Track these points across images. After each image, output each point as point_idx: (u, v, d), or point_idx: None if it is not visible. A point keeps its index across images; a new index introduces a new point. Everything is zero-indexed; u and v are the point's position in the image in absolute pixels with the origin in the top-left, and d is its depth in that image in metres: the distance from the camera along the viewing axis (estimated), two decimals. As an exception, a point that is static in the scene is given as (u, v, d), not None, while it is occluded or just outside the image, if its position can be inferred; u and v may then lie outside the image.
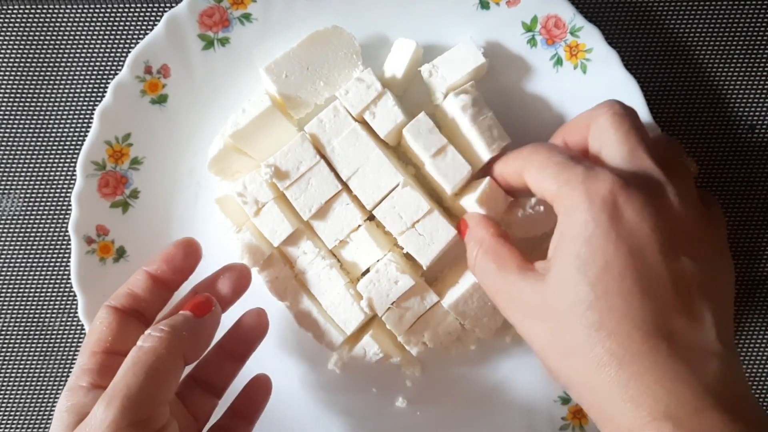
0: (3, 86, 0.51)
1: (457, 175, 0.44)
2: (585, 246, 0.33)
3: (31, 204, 0.52)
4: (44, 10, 0.51)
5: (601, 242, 0.33)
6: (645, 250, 0.33)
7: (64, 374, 0.53)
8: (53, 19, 0.51)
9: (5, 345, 0.53)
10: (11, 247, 0.52)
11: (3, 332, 0.53)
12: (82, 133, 0.52)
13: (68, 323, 0.53)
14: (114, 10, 0.51)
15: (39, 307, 0.53)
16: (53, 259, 0.52)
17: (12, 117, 0.52)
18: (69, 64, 0.51)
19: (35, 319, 0.53)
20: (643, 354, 0.32)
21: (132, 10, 0.51)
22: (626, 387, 0.32)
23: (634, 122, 0.37)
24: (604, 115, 0.38)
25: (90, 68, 0.51)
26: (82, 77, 0.51)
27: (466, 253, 0.49)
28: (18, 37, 0.51)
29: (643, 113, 0.47)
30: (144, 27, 0.51)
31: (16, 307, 0.53)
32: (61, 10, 0.51)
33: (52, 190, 0.52)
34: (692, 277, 0.33)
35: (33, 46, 0.51)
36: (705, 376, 0.32)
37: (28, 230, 0.52)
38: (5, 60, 0.51)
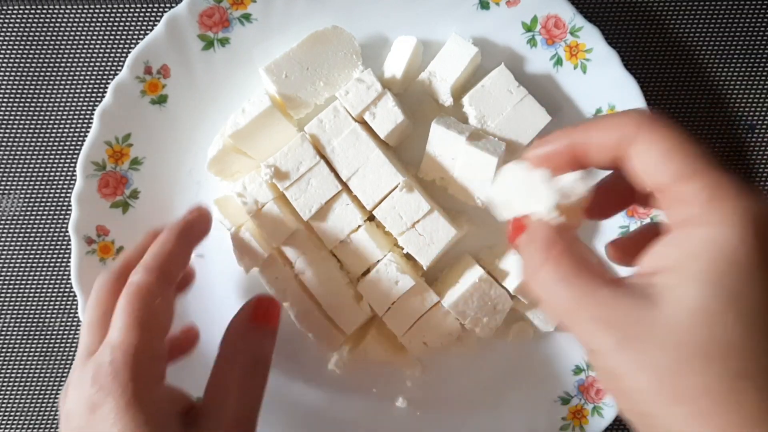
0: (3, 86, 0.51)
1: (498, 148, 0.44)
2: (732, 274, 0.26)
3: (31, 204, 0.52)
4: (44, 10, 0.51)
5: (756, 274, 0.26)
6: None
7: (65, 374, 0.53)
8: (53, 19, 0.51)
9: (5, 345, 0.53)
10: (11, 247, 0.52)
11: (3, 332, 0.53)
12: (82, 133, 0.52)
13: (68, 323, 0.53)
14: (114, 10, 0.51)
15: (39, 307, 0.53)
16: (53, 259, 0.52)
17: (12, 117, 0.52)
18: (69, 64, 0.51)
19: (35, 319, 0.53)
20: None
21: (132, 10, 0.51)
22: None
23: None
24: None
25: (90, 68, 0.51)
26: (82, 77, 0.51)
27: (466, 253, 0.49)
28: (18, 37, 0.51)
29: (643, 113, 0.47)
30: (144, 27, 0.51)
31: (16, 307, 0.53)
32: (61, 10, 0.51)
33: (52, 190, 0.52)
34: None
35: (33, 46, 0.51)
36: None
37: (28, 230, 0.52)
38: (5, 60, 0.51)
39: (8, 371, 0.53)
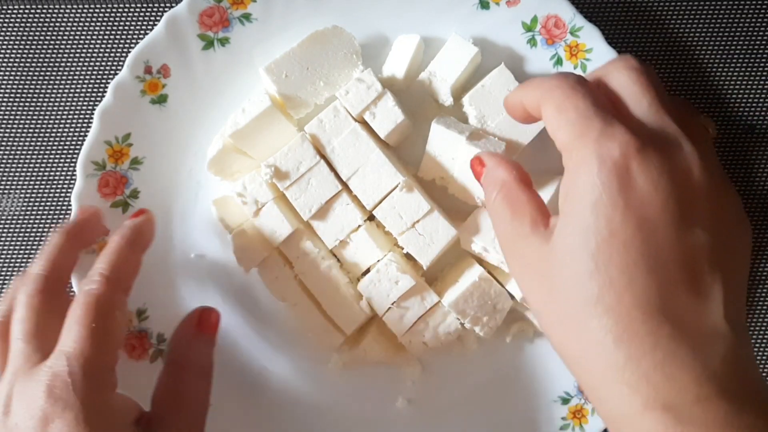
0: (3, 86, 0.51)
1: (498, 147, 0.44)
2: (590, 211, 0.31)
3: (31, 204, 0.52)
4: (44, 10, 0.51)
5: (608, 210, 0.30)
6: (656, 221, 0.30)
7: (64, 374, 0.53)
8: (53, 19, 0.51)
9: (5, 345, 0.53)
10: (11, 247, 0.52)
11: (3, 332, 0.53)
12: (82, 133, 0.52)
13: (68, 323, 0.53)
14: (114, 10, 0.51)
15: (39, 307, 0.52)
16: (53, 259, 0.52)
17: (12, 117, 0.52)
18: (69, 64, 0.51)
19: (35, 319, 0.52)
20: (642, 335, 0.29)
21: (132, 10, 0.51)
22: (622, 370, 0.29)
23: (653, 78, 0.34)
24: (621, 69, 0.34)
25: (90, 68, 0.51)
26: (82, 77, 0.51)
27: (465, 253, 0.49)
28: (18, 37, 0.51)
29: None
30: (144, 27, 0.51)
31: (16, 307, 0.52)
32: (61, 10, 0.51)
33: (52, 190, 0.52)
34: (704, 249, 0.30)
35: (33, 46, 0.51)
36: (709, 360, 0.29)
37: (28, 230, 0.52)
38: (5, 60, 0.51)
39: (8, 371, 0.53)
